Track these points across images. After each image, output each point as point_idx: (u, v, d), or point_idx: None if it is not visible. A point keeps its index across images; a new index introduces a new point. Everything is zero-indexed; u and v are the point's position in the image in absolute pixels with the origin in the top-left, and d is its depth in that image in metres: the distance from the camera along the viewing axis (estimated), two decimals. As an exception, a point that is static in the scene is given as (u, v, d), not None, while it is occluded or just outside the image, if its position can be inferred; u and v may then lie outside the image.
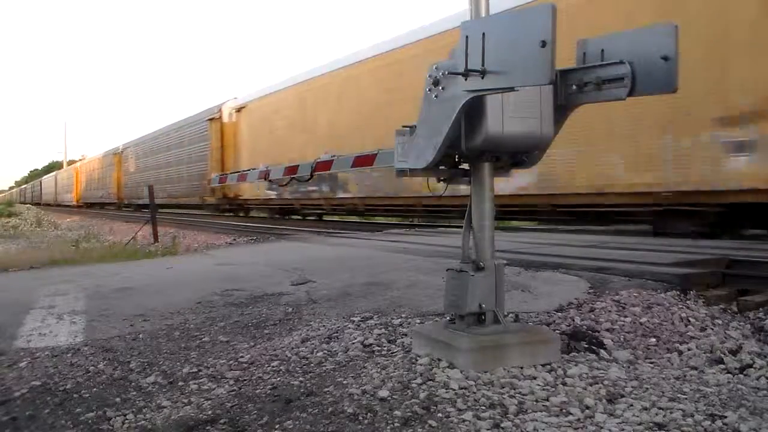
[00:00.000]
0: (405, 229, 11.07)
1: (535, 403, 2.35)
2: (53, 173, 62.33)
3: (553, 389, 2.49)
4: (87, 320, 4.05)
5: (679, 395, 2.45)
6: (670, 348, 3.20)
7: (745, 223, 7.55)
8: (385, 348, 3.13)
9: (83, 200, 43.70)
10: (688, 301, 3.86)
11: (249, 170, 4.97)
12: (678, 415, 2.23)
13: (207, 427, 2.32)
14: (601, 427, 2.15)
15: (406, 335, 3.27)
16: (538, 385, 2.53)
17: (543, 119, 2.71)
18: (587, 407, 2.31)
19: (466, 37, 2.40)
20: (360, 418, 2.28)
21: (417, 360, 2.82)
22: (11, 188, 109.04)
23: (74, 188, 46.46)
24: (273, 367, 2.97)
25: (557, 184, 8.82)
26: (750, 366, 2.90)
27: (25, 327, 3.90)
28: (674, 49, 2.38)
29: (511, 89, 2.39)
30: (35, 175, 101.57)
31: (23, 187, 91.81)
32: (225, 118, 20.02)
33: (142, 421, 2.42)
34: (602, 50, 2.57)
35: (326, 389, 2.58)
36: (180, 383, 2.83)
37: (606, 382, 2.56)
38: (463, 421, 2.20)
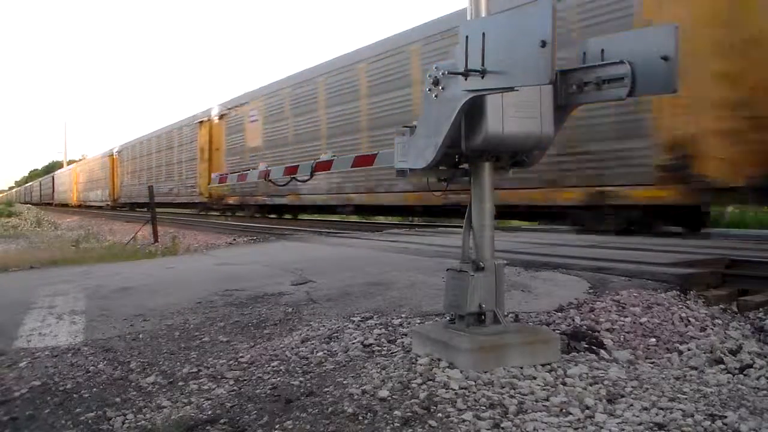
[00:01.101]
0: (405, 229, 11.07)
1: (535, 403, 2.35)
2: (71, 165, 50.94)
3: (553, 389, 2.49)
4: (87, 320, 4.05)
5: (679, 395, 2.45)
6: (670, 348, 3.20)
7: None
8: (385, 348, 3.13)
9: (125, 200, 30.48)
10: (688, 301, 3.86)
11: (248, 170, 4.95)
12: (678, 415, 2.23)
13: (207, 427, 2.32)
14: (601, 427, 2.15)
15: (406, 335, 3.27)
16: (538, 385, 2.53)
17: (543, 119, 2.71)
18: (587, 407, 2.31)
19: (466, 36, 2.40)
20: (360, 418, 2.28)
21: (417, 360, 2.82)
22: (11, 188, 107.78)
23: (110, 184, 33.59)
24: (273, 367, 2.97)
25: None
26: (750, 366, 2.90)
27: (25, 327, 3.90)
28: (674, 50, 2.38)
29: (511, 89, 2.39)
30: (35, 175, 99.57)
31: (29, 184, 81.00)
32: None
33: (142, 421, 2.42)
34: (602, 50, 2.57)
35: (326, 389, 2.58)
36: (180, 383, 2.83)
37: (606, 382, 2.56)
38: (463, 421, 2.20)
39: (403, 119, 10.57)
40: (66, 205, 45.96)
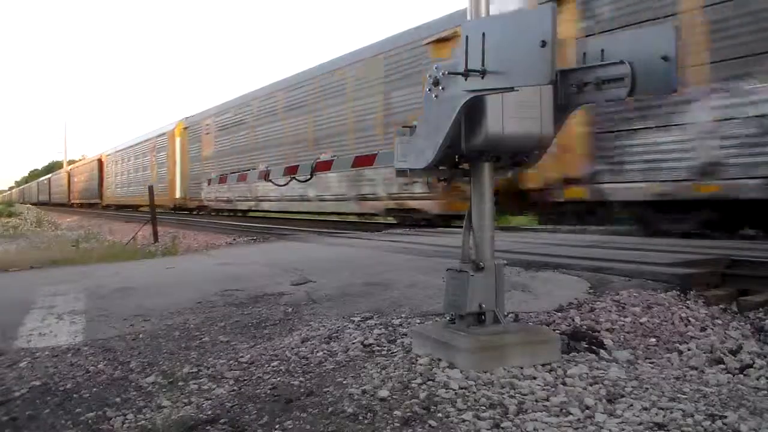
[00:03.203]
0: (405, 229, 11.07)
1: (535, 403, 2.35)
2: (162, 127, 25.95)
3: (553, 389, 2.49)
4: (87, 320, 4.05)
5: (679, 395, 2.45)
6: (670, 348, 3.20)
7: None
8: (385, 348, 3.14)
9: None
10: (688, 301, 3.86)
11: (249, 170, 4.96)
12: (678, 415, 2.23)
13: (207, 427, 2.32)
14: (601, 427, 2.15)
15: (406, 335, 3.27)
16: (538, 385, 2.53)
17: (543, 119, 2.72)
18: (587, 407, 2.31)
19: (467, 36, 2.40)
20: (360, 418, 2.28)
21: (417, 360, 2.82)
22: (11, 188, 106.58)
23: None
24: (273, 367, 2.98)
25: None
26: (750, 366, 2.90)
27: (25, 327, 3.90)
28: (674, 50, 2.38)
29: (511, 89, 2.39)
30: (35, 175, 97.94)
31: (43, 179, 62.46)
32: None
33: (142, 421, 2.42)
34: (602, 50, 2.57)
35: (326, 389, 2.59)
36: (180, 383, 2.83)
37: (606, 382, 2.57)
38: (463, 421, 2.20)
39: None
40: (135, 209, 27.03)
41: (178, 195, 23.43)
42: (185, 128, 23.33)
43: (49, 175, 59.41)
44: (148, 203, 23.62)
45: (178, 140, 23.49)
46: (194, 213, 22.29)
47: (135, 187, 28.32)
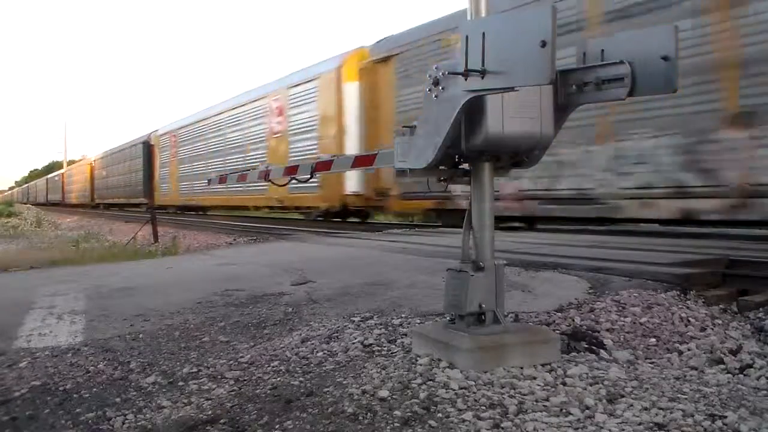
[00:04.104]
0: (405, 229, 11.07)
1: (535, 403, 2.35)
2: (225, 103, 18.67)
3: (553, 389, 2.49)
4: (87, 320, 4.05)
5: (679, 395, 2.45)
6: (670, 348, 3.21)
7: None
8: (385, 348, 3.14)
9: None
10: (688, 301, 3.86)
11: (248, 170, 4.94)
12: (678, 415, 2.23)
13: (207, 427, 2.32)
14: (601, 427, 2.15)
15: (406, 335, 3.27)
16: (538, 385, 2.53)
17: (543, 119, 2.72)
18: (587, 407, 2.31)
19: (466, 36, 2.40)
20: (360, 418, 2.28)
21: (417, 360, 2.82)
22: (11, 188, 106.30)
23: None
24: (273, 367, 2.98)
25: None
26: (750, 366, 2.91)
27: (25, 327, 3.90)
28: (674, 50, 2.38)
29: (511, 89, 2.39)
30: (35, 175, 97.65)
31: (53, 175, 55.52)
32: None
33: (142, 421, 2.42)
34: (602, 50, 2.57)
35: (326, 389, 2.58)
36: (180, 383, 2.83)
37: (606, 382, 2.57)
38: (463, 421, 2.20)
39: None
40: (204, 210, 21.05)
41: (351, 189, 12.59)
42: (381, 59, 11.66)
43: (62, 170, 50.97)
44: (256, 203, 15.40)
45: (352, 87, 12.53)
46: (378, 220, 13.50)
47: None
